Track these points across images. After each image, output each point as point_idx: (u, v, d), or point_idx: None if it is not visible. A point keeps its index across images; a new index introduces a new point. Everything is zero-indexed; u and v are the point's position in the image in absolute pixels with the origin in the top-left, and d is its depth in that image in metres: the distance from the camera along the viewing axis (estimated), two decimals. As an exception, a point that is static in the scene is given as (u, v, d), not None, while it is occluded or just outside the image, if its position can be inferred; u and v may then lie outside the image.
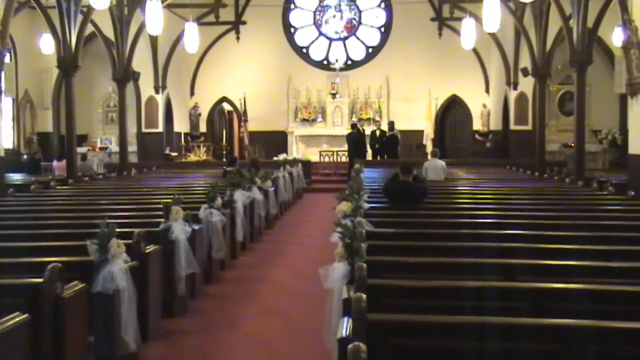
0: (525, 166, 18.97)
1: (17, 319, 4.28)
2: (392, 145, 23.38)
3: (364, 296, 3.99)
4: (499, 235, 7.15)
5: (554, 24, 19.14)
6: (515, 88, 24.93)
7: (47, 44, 20.91)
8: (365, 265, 4.78)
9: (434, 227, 7.92)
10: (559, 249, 6.35)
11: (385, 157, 23.27)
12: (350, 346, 3.49)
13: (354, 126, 23.36)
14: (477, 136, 27.14)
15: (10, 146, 22.41)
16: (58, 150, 21.77)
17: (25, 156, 22.44)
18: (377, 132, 23.63)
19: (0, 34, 13.15)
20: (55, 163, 19.31)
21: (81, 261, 5.92)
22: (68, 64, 16.40)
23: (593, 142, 23.64)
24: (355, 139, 22.53)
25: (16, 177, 17.31)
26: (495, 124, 26.86)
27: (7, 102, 21.65)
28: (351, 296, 4.17)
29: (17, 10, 17.87)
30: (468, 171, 18.52)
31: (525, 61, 22.80)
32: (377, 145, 23.56)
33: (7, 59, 15.05)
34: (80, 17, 16.68)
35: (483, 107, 27.36)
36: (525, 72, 22.62)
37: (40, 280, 4.92)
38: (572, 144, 19.43)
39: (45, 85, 24.83)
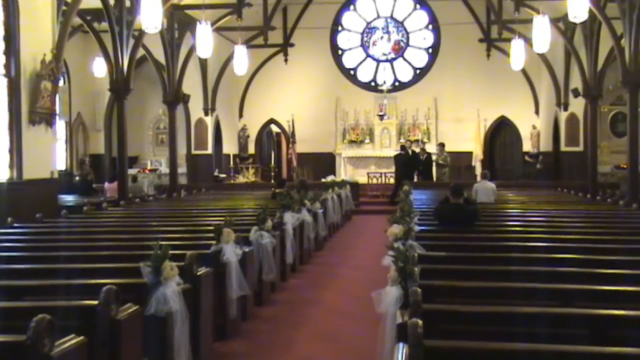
0: (577, 188, 18.62)
1: (74, 341, 4.31)
2: (425, 167, 23.33)
3: (420, 322, 3.93)
4: (552, 259, 7.03)
5: (605, 44, 18.90)
6: (565, 109, 24.60)
7: (99, 68, 21.33)
8: (419, 289, 4.73)
9: (484, 251, 7.82)
10: (613, 274, 6.22)
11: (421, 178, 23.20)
12: (408, 373, 3.44)
13: (403, 147, 23.32)
14: (527, 158, 26.81)
15: (63, 168, 22.81)
16: (110, 172, 22.09)
17: (77, 178, 22.79)
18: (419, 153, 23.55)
19: (54, 58, 13.42)
20: (106, 185, 19.55)
21: (134, 283, 5.93)
22: (120, 87, 16.65)
23: (647, 164, 23.13)
24: (403, 161, 22.47)
25: (69, 199, 17.55)
26: (545, 146, 26.53)
27: (61, 125, 22.07)
28: (407, 321, 4.12)
29: (71, 34, 18.22)
30: (518, 193, 18.28)
31: (575, 82, 22.50)
32: (420, 167, 23.49)
33: (60, 83, 15.33)
34: (132, 41, 16.94)
35: (533, 128, 27.05)
36: (575, 93, 22.32)
37: (96, 302, 4.95)
38: (625, 166, 19.08)
39: (98, 108, 25.24)
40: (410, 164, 22.66)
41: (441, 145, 24.17)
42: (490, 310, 5.03)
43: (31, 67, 12.89)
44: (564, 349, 4.12)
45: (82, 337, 4.40)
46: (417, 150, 23.97)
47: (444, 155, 23.85)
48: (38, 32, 13.19)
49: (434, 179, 23.39)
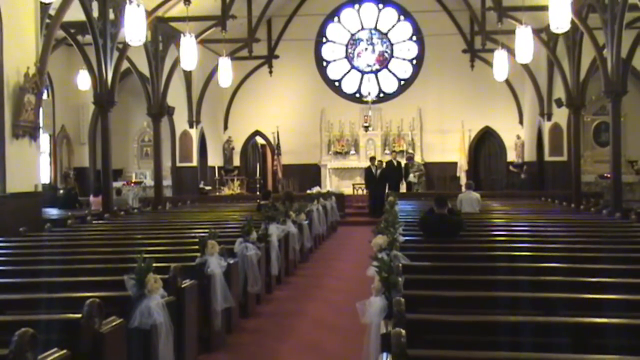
0: (560, 198, 18.73)
1: (57, 355, 4.27)
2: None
3: (404, 332, 3.94)
4: (536, 269, 7.06)
5: (588, 55, 19.05)
6: (549, 119, 24.73)
7: (83, 81, 21.27)
8: (403, 299, 4.73)
9: (469, 260, 7.84)
10: (597, 283, 6.24)
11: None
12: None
13: (372, 158, 23.50)
14: (511, 168, 26.95)
15: (47, 181, 22.69)
16: (94, 185, 21.99)
17: (61, 191, 22.68)
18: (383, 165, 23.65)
19: (38, 71, 13.37)
20: (91, 198, 19.48)
21: (118, 296, 5.90)
22: (104, 99, 16.58)
23: (629, 173, 23.27)
24: (367, 173, 22.82)
25: (53, 212, 17.45)
26: (529, 155, 26.66)
27: (44, 138, 21.97)
28: (390, 331, 4.13)
29: (55, 47, 18.19)
30: (503, 203, 18.35)
31: (559, 92, 22.65)
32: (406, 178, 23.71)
33: (44, 96, 15.25)
34: (116, 54, 16.91)
35: (517, 139, 27.18)
36: (559, 103, 22.45)
37: (79, 315, 4.91)
38: (609, 175, 19.19)
39: (82, 121, 25.16)
40: (394, 174, 22.86)
41: (410, 159, 24.34)
42: (474, 320, 5.04)
43: (14, 80, 12.81)
44: (547, 357, 4.15)
45: (65, 351, 4.36)
46: (402, 161, 24.09)
47: (417, 166, 24.03)
48: (21, 45, 13.12)
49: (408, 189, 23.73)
